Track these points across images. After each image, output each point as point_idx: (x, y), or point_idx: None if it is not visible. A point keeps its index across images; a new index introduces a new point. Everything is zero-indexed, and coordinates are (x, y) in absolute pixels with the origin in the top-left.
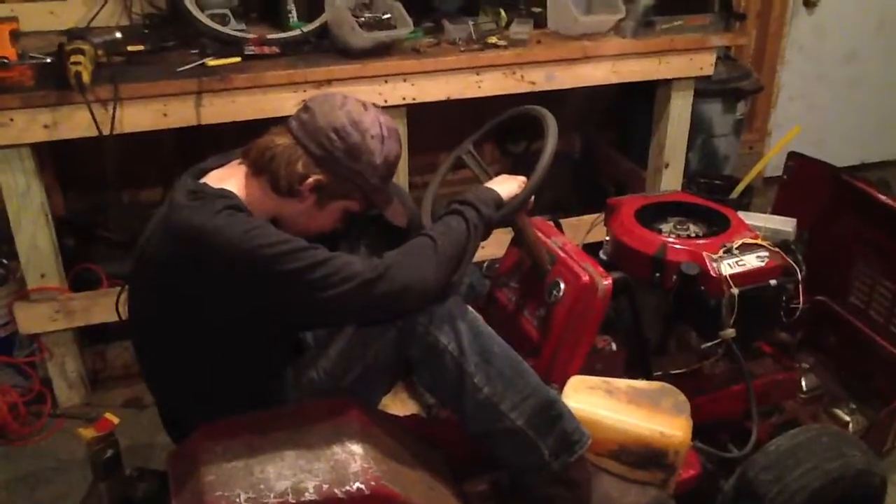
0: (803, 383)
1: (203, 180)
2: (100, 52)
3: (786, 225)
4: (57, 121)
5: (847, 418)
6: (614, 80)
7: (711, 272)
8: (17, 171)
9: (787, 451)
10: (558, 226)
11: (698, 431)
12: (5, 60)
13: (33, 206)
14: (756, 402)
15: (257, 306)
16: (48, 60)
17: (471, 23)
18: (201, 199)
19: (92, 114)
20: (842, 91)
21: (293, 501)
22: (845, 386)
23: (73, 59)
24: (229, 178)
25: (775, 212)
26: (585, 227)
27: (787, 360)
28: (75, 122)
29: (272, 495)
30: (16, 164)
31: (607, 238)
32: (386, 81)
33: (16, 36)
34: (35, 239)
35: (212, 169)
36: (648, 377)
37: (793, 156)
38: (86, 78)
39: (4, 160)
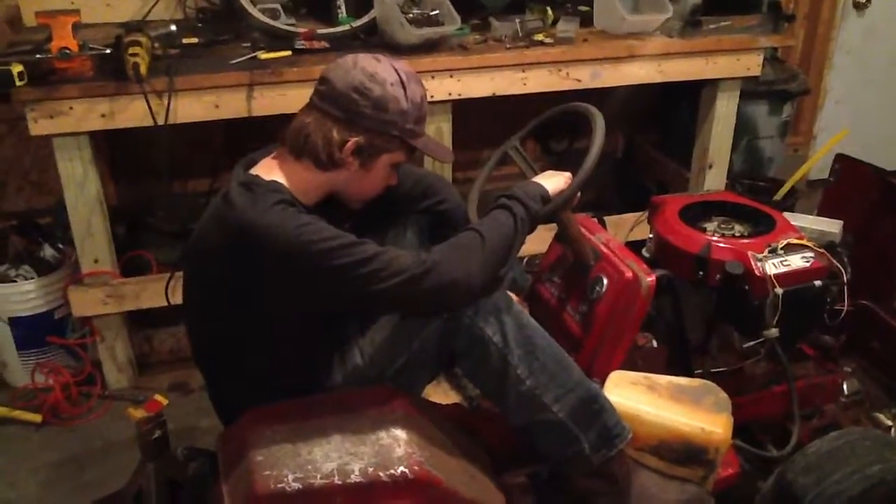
0: (845, 387)
1: (253, 171)
2: (156, 45)
3: (832, 227)
4: (114, 110)
5: (889, 423)
6: (660, 79)
7: (756, 271)
8: (75, 159)
9: (828, 454)
10: (602, 223)
11: (738, 431)
12: (67, 51)
13: (89, 193)
14: (797, 404)
15: (307, 298)
16: (107, 52)
17: (517, 20)
18: (253, 192)
19: (148, 104)
20: (891, 95)
21: (339, 482)
22: (888, 391)
23: (130, 50)
24: (277, 167)
25: (821, 214)
26: (628, 226)
27: (829, 362)
28: (132, 112)
29: (319, 476)
30: (74, 151)
31: (650, 236)
32: (433, 77)
33: (76, 28)
34: (90, 225)
35: (261, 159)
36: (689, 375)
37: (840, 158)
38: (143, 69)
39: (64, 148)
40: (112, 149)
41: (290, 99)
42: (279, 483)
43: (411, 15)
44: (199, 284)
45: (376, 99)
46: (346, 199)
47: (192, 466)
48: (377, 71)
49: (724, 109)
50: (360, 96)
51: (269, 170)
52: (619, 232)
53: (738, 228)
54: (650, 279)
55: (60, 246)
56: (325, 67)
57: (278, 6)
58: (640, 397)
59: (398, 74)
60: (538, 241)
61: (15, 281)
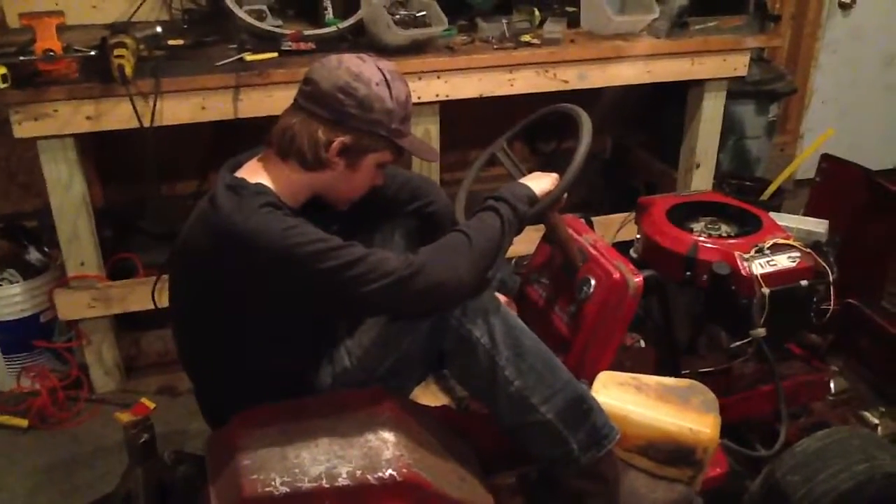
0: (832, 385)
1: (239, 173)
2: (141, 47)
3: (818, 226)
4: (100, 112)
5: (876, 421)
6: (647, 79)
7: (742, 272)
8: (60, 162)
9: (815, 453)
10: (589, 224)
11: (726, 431)
12: (52, 53)
13: (75, 196)
14: (785, 403)
15: (293, 301)
16: (92, 53)
17: (504, 21)
18: (239, 194)
19: (134, 106)
20: (876, 95)
21: (327, 486)
22: (875, 389)
23: (116, 52)
24: (263, 169)
25: (807, 214)
26: (615, 226)
27: (816, 361)
28: (117, 114)
29: (307, 479)
30: (59, 154)
31: (638, 236)
32: (420, 78)
33: (60, 29)
34: (76, 228)
35: (246, 161)
36: (677, 375)
37: (826, 158)
38: (128, 71)
39: (49, 150)
40: (98, 151)
41: (276, 100)
42: (267, 487)
43: (398, 16)
44: (185, 287)
45: (361, 98)
46: (333, 200)
47: (180, 470)
48: (362, 71)
49: (711, 109)
50: (346, 96)
51: (254, 172)
52: (606, 233)
53: (724, 229)
54: (638, 280)
55: (46, 249)
56: (310, 68)
57: (265, 7)
58: (628, 398)
59: (383, 74)
60: (526, 243)
61: (0, 285)
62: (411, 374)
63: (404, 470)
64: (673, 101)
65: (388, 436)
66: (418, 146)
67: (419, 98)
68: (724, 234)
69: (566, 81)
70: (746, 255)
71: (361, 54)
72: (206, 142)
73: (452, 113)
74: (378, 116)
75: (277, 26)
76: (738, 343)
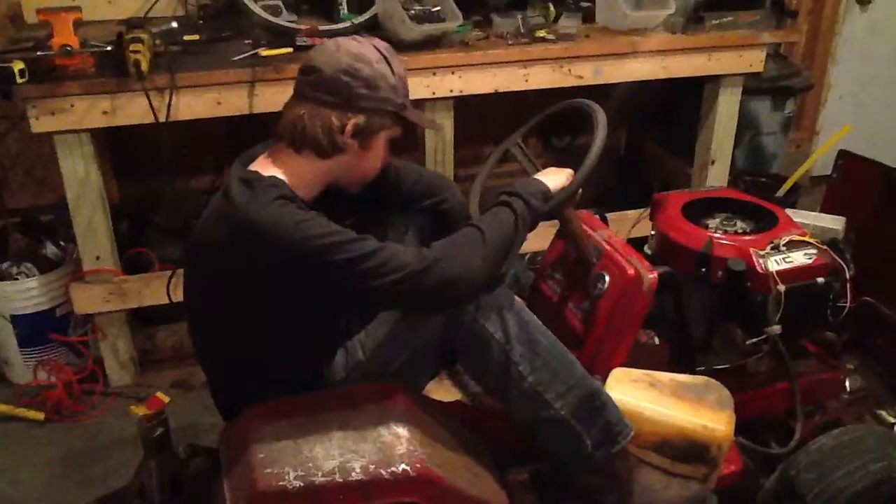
0: (848, 384)
1: (252, 167)
2: (157, 42)
3: (835, 223)
4: (116, 107)
5: (892, 420)
6: (662, 75)
7: (758, 268)
8: (76, 156)
9: (831, 451)
10: (604, 220)
11: (741, 429)
12: (69, 48)
13: (91, 190)
14: (800, 401)
15: (307, 294)
16: (108, 49)
17: (519, 16)
18: (253, 187)
19: (150, 101)
20: (894, 91)
21: (340, 480)
22: (891, 388)
23: (132, 47)
24: (276, 162)
25: (824, 210)
26: (630, 222)
27: (832, 359)
28: (133, 109)
29: (320, 474)
30: (76, 149)
31: (653, 232)
32: (434, 74)
33: (77, 25)
34: (92, 223)
35: (259, 155)
36: (692, 372)
37: (843, 154)
38: (144, 66)
39: (65, 145)
40: (114, 146)
41: None
42: (281, 480)
43: (413, 11)
44: (200, 281)
45: (366, 78)
46: (347, 184)
47: (194, 463)
48: (361, 51)
49: (727, 106)
50: (351, 77)
51: (267, 165)
52: (621, 228)
53: (740, 225)
54: (652, 276)
55: (62, 243)
56: (307, 56)
57: (280, 3)
58: (642, 394)
59: (380, 52)
60: (540, 238)
61: (17, 278)
62: (424, 368)
63: (417, 465)
64: (688, 97)
65: (402, 431)
66: (423, 117)
67: (434, 93)
68: (740, 231)
69: (581, 77)
70: (762, 252)
71: (356, 36)
72: (221, 137)
73: (467, 108)
74: (385, 93)
75: (292, 21)
76: (753, 340)
